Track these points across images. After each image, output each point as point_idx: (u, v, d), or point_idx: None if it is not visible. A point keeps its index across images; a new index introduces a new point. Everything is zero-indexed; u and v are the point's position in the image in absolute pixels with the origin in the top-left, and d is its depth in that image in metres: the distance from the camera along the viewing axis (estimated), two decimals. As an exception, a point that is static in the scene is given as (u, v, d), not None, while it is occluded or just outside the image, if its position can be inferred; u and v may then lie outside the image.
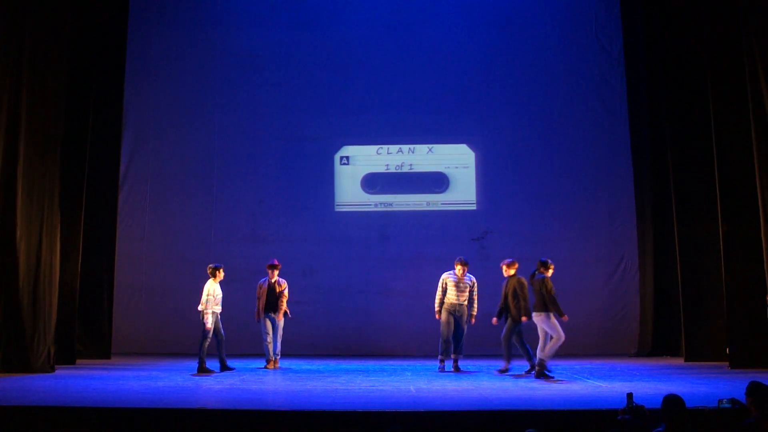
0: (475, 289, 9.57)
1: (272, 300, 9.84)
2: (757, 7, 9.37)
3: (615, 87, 12.46)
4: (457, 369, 9.38)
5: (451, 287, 9.45)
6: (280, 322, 9.84)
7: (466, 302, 9.46)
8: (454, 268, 9.51)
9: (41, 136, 9.41)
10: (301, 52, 12.68)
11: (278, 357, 9.90)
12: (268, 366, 9.78)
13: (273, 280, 9.92)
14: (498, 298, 9.53)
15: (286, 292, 9.91)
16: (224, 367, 9.45)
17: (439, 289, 9.51)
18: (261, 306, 9.86)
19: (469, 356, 9.92)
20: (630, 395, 4.83)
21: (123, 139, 11.98)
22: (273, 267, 9.98)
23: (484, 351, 10.64)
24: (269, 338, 9.80)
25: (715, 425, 5.62)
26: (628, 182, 12.21)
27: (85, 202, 10.45)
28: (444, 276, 9.56)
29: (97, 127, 10.85)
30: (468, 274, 9.55)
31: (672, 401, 4.68)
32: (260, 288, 9.98)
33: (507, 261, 9.51)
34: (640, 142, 12.21)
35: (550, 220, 12.18)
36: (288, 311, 9.95)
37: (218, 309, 9.32)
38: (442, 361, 9.49)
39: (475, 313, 9.56)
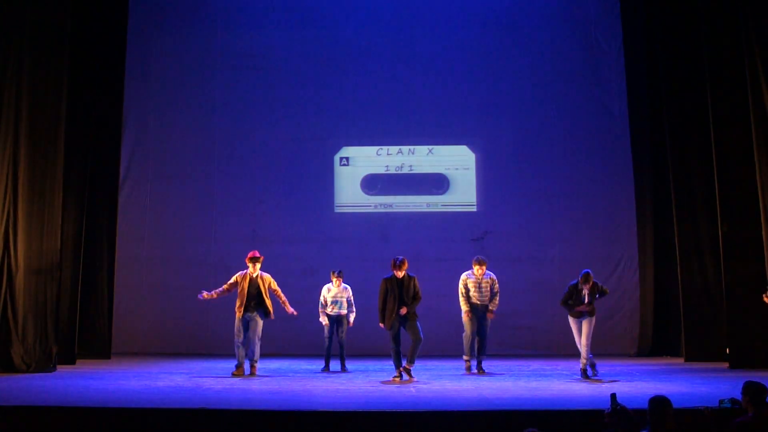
0: (496, 286, 9.41)
1: (253, 297, 9.03)
2: (757, 6, 9.38)
3: (615, 87, 12.45)
4: (481, 371, 9.20)
5: (472, 287, 9.35)
6: (260, 322, 9.04)
7: (488, 301, 9.36)
8: (472, 268, 9.35)
9: (42, 137, 9.41)
10: (301, 52, 12.67)
11: (257, 363, 9.07)
12: (236, 372, 8.92)
13: (255, 275, 9.13)
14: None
15: (276, 286, 9.20)
16: (343, 368, 9.62)
17: (461, 288, 9.37)
18: (241, 303, 8.99)
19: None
20: (613, 396, 4.78)
21: (123, 139, 11.97)
22: (256, 260, 9.11)
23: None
24: (241, 340, 8.96)
25: (715, 425, 5.62)
26: (628, 182, 12.19)
27: (86, 203, 10.46)
28: (463, 276, 9.42)
29: (97, 128, 10.85)
30: (487, 272, 9.40)
31: (658, 402, 4.63)
32: (238, 282, 9.09)
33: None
34: (640, 142, 12.19)
35: (550, 221, 12.18)
36: (294, 311, 9.25)
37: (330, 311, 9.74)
38: (468, 361, 9.33)
39: (493, 309, 9.36)
